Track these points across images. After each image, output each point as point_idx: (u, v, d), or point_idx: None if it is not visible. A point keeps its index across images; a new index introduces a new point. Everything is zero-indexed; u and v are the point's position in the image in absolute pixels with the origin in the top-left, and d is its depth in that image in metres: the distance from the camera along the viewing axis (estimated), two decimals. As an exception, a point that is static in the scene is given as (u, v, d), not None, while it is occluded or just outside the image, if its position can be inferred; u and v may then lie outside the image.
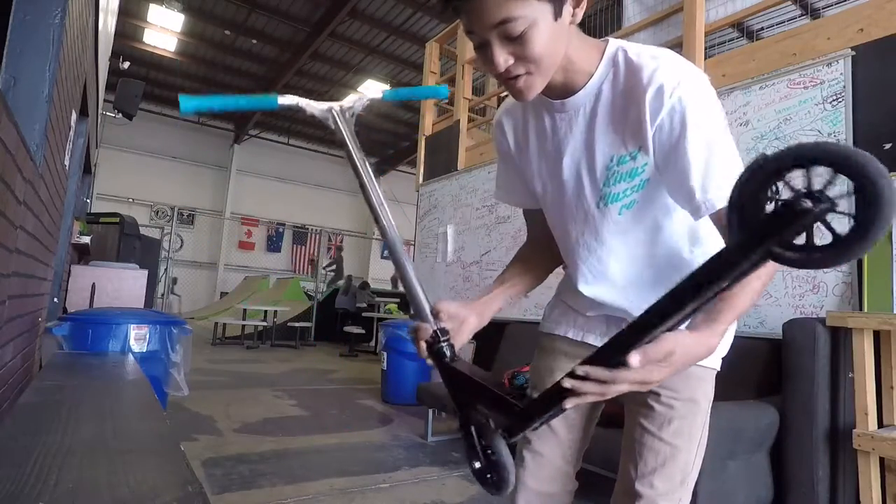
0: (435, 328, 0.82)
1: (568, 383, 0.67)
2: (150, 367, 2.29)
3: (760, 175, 0.47)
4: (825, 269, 2.22)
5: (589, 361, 0.67)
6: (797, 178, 0.45)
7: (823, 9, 3.52)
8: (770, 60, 2.63)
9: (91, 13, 2.91)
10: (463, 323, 0.88)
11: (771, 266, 0.53)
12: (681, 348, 0.65)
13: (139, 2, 9.34)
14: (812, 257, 0.46)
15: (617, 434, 1.03)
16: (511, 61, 0.74)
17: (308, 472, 2.58)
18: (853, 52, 2.30)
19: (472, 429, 0.80)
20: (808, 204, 0.44)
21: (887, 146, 2.16)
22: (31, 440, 0.91)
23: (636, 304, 0.89)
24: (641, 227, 0.87)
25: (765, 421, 2.02)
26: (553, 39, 0.74)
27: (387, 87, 11.87)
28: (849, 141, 2.25)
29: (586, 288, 0.94)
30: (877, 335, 1.95)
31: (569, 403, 0.69)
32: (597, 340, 0.99)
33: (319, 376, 5.82)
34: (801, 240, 0.46)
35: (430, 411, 3.30)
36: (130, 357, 2.17)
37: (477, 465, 0.80)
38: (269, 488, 2.35)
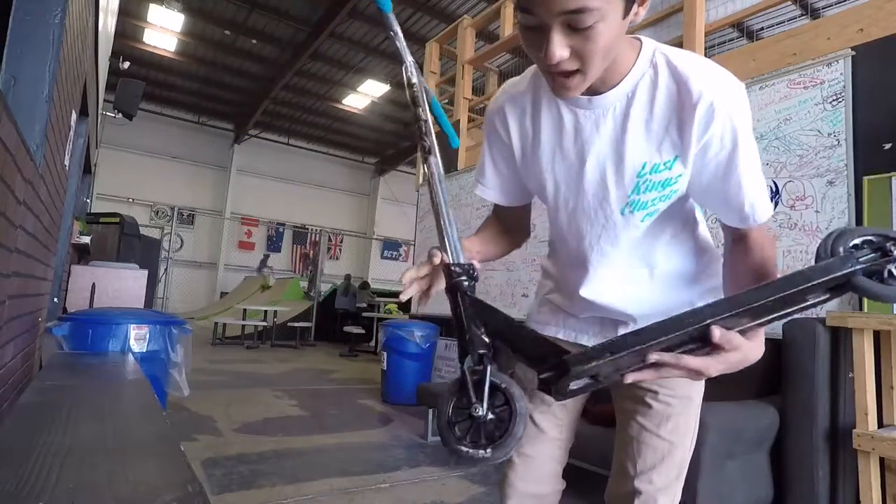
0: (461, 262, 0.76)
1: (655, 357, 0.64)
2: (150, 367, 2.29)
3: (846, 236, 0.68)
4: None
5: (665, 326, 0.65)
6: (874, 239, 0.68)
7: (823, 9, 3.52)
8: (770, 60, 2.63)
9: (91, 13, 2.91)
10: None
11: None
12: (745, 349, 0.67)
13: (139, 2, 9.34)
14: (880, 289, 0.63)
15: (612, 432, 1.03)
16: (566, 55, 0.68)
17: (308, 472, 2.58)
18: (853, 52, 2.30)
19: (488, 368, 0.69)
20: (890, 249, 0.65)
21: (887, 146, 2.16)
22: (31, 440, 0.91)
23: (639, 308, 0.91)
24: (657, 235, 0.88)
25: (765, 421, 2.02)
26: (615, 38, 0.69)
27: (386, 86, 11.88)
28: (849, 141, 2.25)
29: (589, 291, 0.91)
30: (877, 335, 1.95)
31: (630, 378, 0.66)
32: (590, 341, 0.98)
33: (319, 376, 5.82)
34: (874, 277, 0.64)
35: (430, 411, 3.30)
36: (130, 357, 2.17)
37: (479, 412, 0.67)
38: (269, 488, 2.35)
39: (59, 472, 0.76)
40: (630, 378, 0.66)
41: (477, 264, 0.79)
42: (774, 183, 2.48)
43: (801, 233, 2.34)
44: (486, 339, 0.72)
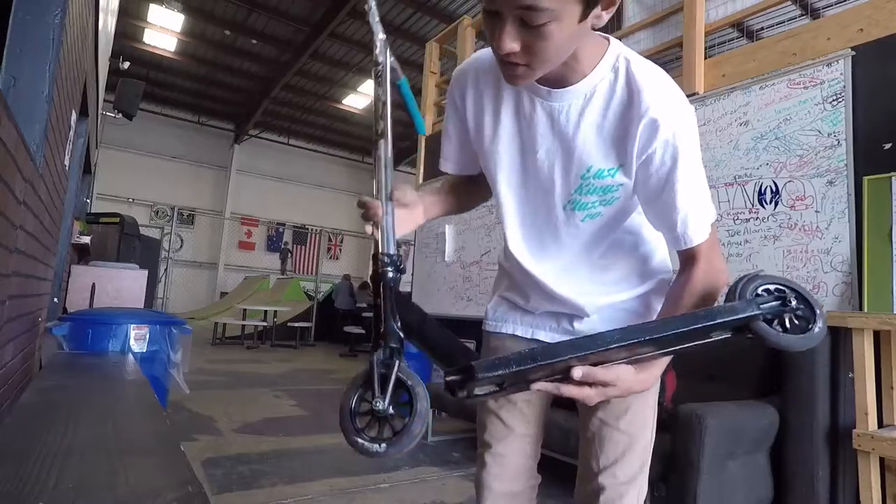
0: (391, 252, 0.76)
1: (538, 385, 0.68)
2: (150, 367, 2.29)
3: (756, 281, 0.72)
4: (824, 271, 2.23)
5: (547, 351, 0.67)
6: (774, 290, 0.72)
7: (823, 9, 3.52)
8: (770, 60, 2.63)
9: (91, 13, 2.91)
10: (414, 213, 0.89)
11: None
12: (623, 383, 0.70)
13: (139, 2, 9.35)
14: (775, 335, 0.68)
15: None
16: (516, 48, 0.69)
17: (308, 472, 2.58)
18: (853, 52, 2.30)
19: (396, 363, 0.69)
20: (790, 300, 0.70)
21: (887, 146, 2.16)
22: (31, 440, 0.91)
23: (591, 302, 0.93)
24: (602, 236, 0.89)
25: (765, 421, 2.02)
26: (569, 40, 0.70)
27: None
28: (849, 140, 2.25)
29: (543, 276, 0.93)
30: (877, 335, 1.95)
31: (536, 386, 0.68)
32: (547, 336, 1.00)
33: (319, 376, 5.82)
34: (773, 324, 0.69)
35: (430, 411, 3.30)
36: (130, 357, 2.17)
37: (379, 406, 0.67)
38: (269, 488, 2.35)
39: (59, 472, 0.76)
40: (536, 386, 0.68)
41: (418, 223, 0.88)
42: (774, 183, 2.48)
43: (801, 233, 2.34)
44: (401, 334, 0.72)
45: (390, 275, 0.74)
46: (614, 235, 0.90)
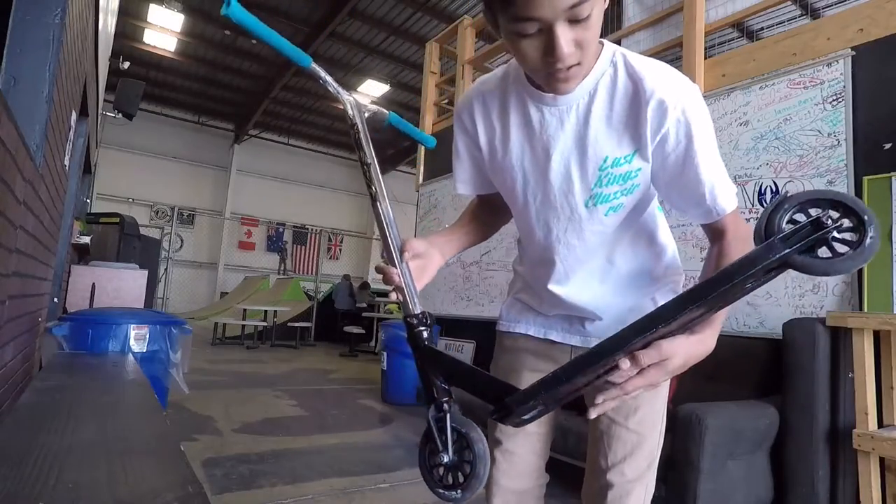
0: (417, 313, 0.81)
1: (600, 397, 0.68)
2: (150, 367, 2.29)
3: (787, 204, 0.62)
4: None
5: (584, 361, 0.66)
6: (811, 210, 0.60)
7: (823, 9, 3.52)
8: (770, 60, 2.63)
9: (91, 13, 2.91)
10: (429, 261, 0.90)
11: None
12: (681, 352, 0.67)
13: (139, 2, 9.34)
14: (821, 262, 0.58)
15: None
16: (573, 49, 0.69)
17: (308, 472, 2.58)
18: (853, 52, 2.30)
19: (448, 416, 0.76)
20: (826, 221, 0.57)
21: (887, 146, 2.16)
22: (31, 440, 0.91)
23: (604, 305, 0.94)
24: (622, 230, 0.91)
25: (765, 421, 2.02)
26: (600, 25, 0.71)
27: (386, 86, 11.86)
28: (849, 141, 2.25)
29: (558, 287, 0.94)
30: (877, 335, 1.95)
31: (593, 412, 0.70)
32: (559, 336, 1.01)
33: (319, 376, 5.82)
34: (812, 252, 0.59)
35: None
36: (130, 357, 2.17)
37: (445, 459, 0.75)
38: (269, 488, 2.35)
39: (59, 472, 0.76)
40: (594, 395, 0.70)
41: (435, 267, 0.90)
42: (774, 183, 2.48)
43: (801, 233, 2.34)
44: (446, 386, 0.78)
45: (425, 333, 0.80)
46: (633, 231, 0.92)
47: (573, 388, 0.69)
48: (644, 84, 0.78)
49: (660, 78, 0.78)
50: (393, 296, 0.83)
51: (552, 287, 0.94)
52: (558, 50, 0.68)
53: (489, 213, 1.07)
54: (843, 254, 0.57)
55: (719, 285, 0.61)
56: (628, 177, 0.83)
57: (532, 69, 0.76)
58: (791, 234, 0.59)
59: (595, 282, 0.94)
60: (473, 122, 0.94)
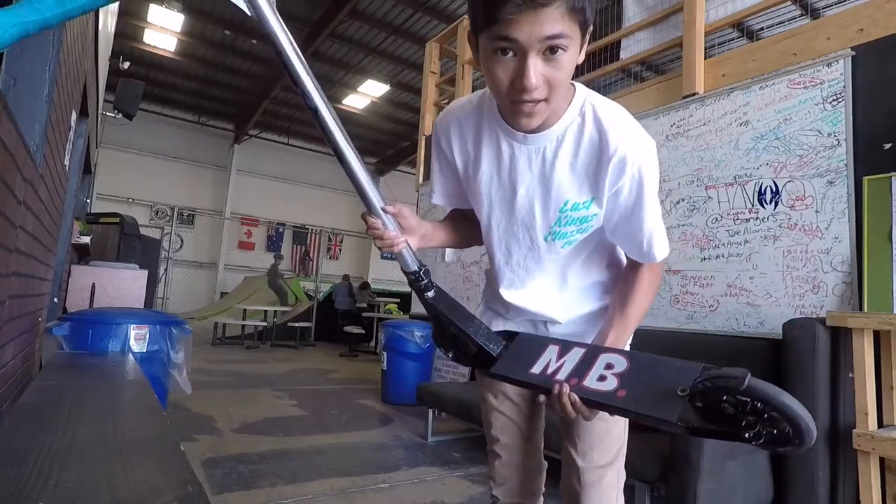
0: (419, 268, 0.94)
1: (556, 389, 0.84)
2: (150, 367, 2.29)
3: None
4: (824, 271, 2.23)
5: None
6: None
7: (823, 9, 3.52)
8: (770, 60, 2.63)
9: (91, 13, 2.91)
10: (413, 233, 0.96)
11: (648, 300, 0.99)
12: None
13: (139, 2, 9.34)
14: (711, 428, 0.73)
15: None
16: (541, 82, 0.75)
17: (308, 472, 2.58)
18: (853, 52, 2.30)
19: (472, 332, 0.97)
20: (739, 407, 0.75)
21: (887, 146, 2.16)
22: (31, 440, 0.91)
23: (562, 312, 1.05)
24: (574, 257, 1.01)
25: (765, 421, 2.02)
26: (571, 71, 0.77)
27: (386, 86, 11.86)
28: (849, 141, 2.26)
29: (515, 297, 1.05)
30: (877, 335, 1.95)
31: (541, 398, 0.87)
32: None
33: (319, 376, 5.82)
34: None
35: (430, 411, 3.30)
36: (130, 357, 2.17)
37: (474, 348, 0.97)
38: (269, 488, 2.35)
39: (59, 472, 0.76)
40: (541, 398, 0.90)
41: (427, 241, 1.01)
42: (774, 183, 2.48)
43: (801, 233, 2.34)
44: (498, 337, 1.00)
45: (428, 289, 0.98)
46: (586, 255, 1.02)
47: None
48: (608, 138, 0.85)
49: (623, 135, 0.85)
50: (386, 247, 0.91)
51: (510, 298, 1.05)
52: (527, 78, 0.73)
53: (466, 225, 1.13)
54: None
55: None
56: (585, 220, 0.93)
57: (500, 93, 0.80)
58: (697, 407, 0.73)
59: (551, 292, 1.04)
60: (450, 144, 1.01)
